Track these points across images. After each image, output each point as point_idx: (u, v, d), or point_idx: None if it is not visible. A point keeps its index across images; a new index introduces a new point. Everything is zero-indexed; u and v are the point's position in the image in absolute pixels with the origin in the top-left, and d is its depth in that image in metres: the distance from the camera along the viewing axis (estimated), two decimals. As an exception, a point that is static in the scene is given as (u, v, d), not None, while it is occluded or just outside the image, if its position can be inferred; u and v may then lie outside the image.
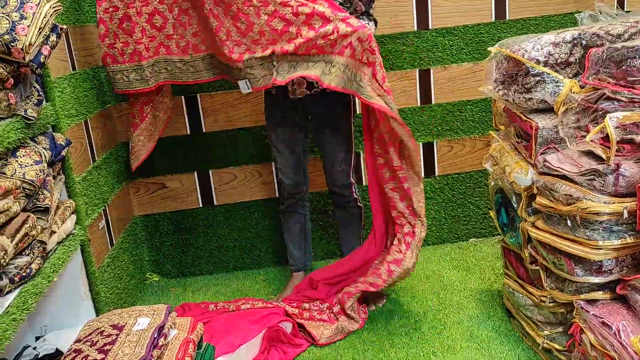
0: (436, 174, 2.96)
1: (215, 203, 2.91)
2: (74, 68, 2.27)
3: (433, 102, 2.87)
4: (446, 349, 2.17)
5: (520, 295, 2.16)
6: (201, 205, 2.91)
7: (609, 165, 1.57)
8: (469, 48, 2.82)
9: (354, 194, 2.58)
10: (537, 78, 1.86)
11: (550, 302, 1.96)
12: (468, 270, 2.76)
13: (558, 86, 1.82)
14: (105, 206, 2.43)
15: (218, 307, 2.47)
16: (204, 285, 2.89)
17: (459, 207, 3.02)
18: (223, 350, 2.10)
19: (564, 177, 1.75)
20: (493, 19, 2.79)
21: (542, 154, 1.86)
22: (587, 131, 1.71)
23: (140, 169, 2.83)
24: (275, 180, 2.89)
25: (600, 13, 2.15)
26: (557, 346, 1.98)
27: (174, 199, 2.89)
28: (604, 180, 1.59)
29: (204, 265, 2.99)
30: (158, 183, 2.87)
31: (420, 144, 2.92)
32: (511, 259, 2.26)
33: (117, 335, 1.87)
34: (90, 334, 1.91)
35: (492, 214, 2.35)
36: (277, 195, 2.89)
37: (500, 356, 2.10)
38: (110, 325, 1.93)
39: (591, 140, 1.59)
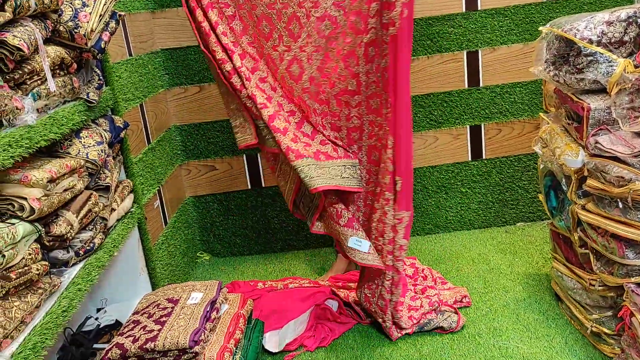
0: (484, 157, 2.94)
1: (263, 185, 2.98)
2: (130, 54, 2.36)
3: (481, 84, 2.84)
4: (492, 330, 2.18)
5: (569, 278, 2.14)
6: (249, 187, 2.99)
7: (664, 146, 1.54)
8: (518, 29, 2.77)
9: None
10: (590, 58, 1.82)
11: (599, 286, 1.94)
12: (515, 254, 2.74)
13: (611, 66, 1.78)
14: (159, 186, 2.53)
15: (266, 285, 2.55)
16: (253, 265, 2.97)
17: (507, 191, 2.99)
18: (271, 326, 2.17)
19: (616, 159, 1.72)
20: (545, -1, 2.73)
21: (593, 135, 1.83)
22: (642, 112, 1.67)
23: (193, 150, 2.93)
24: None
25: (659, -10, 2.09)
26: (605, 330, 1.96)
27: (223, 180, 2.98)
28: (658, 162, 1.56)
29: (252, 246, 3.08)
30: (209, 165, 2.96)
31: (468, 126, 2.90)
32: (560, 242, 2.24)
33: (172, 308, 1.96)
34: (147, 307, 2.01)
35: (541, 197, 2.33)
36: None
37: (547, 339, 2.09)
38: (165, 299, 2.03)
39: (645, 121, 1.56)
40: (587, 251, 1.97)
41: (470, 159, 2.95)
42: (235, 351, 1.91)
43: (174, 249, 2.64)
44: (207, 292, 2.05)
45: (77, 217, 1.62)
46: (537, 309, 2.28)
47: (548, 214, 2.26)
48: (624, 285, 1.75)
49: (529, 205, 3.01)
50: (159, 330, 1.83)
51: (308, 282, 2.55)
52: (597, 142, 1.80)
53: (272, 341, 2.12)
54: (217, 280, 2.14)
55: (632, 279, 1.71)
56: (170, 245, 2.59)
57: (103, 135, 1.83)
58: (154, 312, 1.95)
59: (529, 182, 2.98)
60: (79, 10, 1.67)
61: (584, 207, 1.92)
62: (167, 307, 1.97)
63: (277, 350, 2.13)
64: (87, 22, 1.67)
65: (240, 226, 3.05)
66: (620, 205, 1.67)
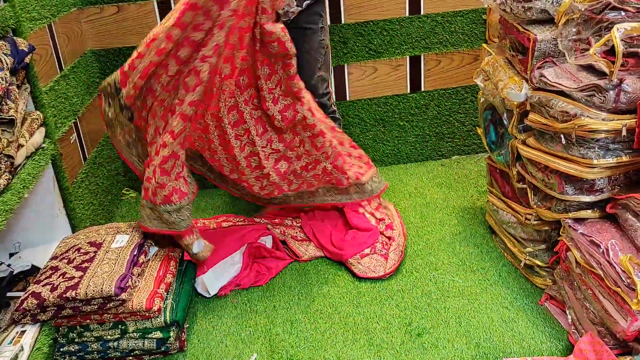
0: (422, 89, 2.87)
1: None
2: (32, -35, 2.05)
3: (422, 12, 2.72)
4: (428, 265, 2.18)
5: (505, 213, 2.15)
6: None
7: (612, 80, 1.50)
8: (462, -47, 2.64)
9: (333, 105, 2.48)
10: (539, -15, 1.74)
11: (535, 220, 1.95)
12: (451, 187, 2.74)
13: (561, -5, 1.70)
14: (75, 119, 2.30)
15: (198, 225, 2.42)
16: (183, 202, 2.82)
17: (444, 124, 2.96)
18: (203, 269, 2.06)
19: (561, 93, 1.68)
20: None
21: (538, 68, 1.78)
22: (589, 44, 1.62)
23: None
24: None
25: None
26: (538, 262, 2.00)
27: (148, 112, 2.76)
28: (604, 96, 1.53)
29: (182, 181, 2.91)
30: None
31: (408, 57, 2.80)
32: (497, 176, 2.23)
33: (95, 252, 1.81)
34: (66, 251, 1.85)
35: (480, 131, 2.30)
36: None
37: (482, 272, 2.12)
38: (87, 243, 1.87)
39: (595, 53, 1.50)
40: (524, 186, 1.97)
41: (409, 91, 2.87)
42: (167, 296, 1.80)
43: (96, 186, 2.44)
44: (134, 234, 1.91)
45: (-25, 155, 1.41)
46: (472, 242, 2.30)
47: (486, 148, 2.24)
48: (561, 221, 1.76)
49: (465, 138, 3.00)
50: (81, 277, 1.69)
51: (243, 220, 2.44)
52: (542, 76, 1.75)
53: (204, 284, 2.02)
54: (144, 221, 1.99)
55: (570, 214, 1.71)
56: (92, 183, 2.39)
57: (3, 60, 1.59)
58: (75, 257, 1.79)
59: (466, 115, 2.95)
60: None
61: (524, 142, 1.89)
62: (89, 252, 1.81)
63: (210, 295, 2.04)
64: None
65: (169, 161, 2.86)
66: (563, 140, 1.65)
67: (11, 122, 1.59)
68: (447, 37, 2.78)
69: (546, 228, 1.94)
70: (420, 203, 2.62)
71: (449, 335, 1.83)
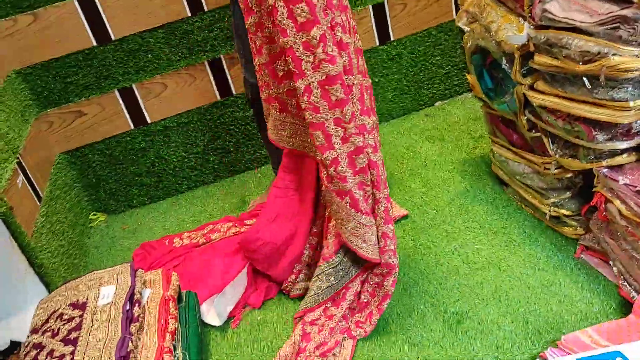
0: (391, 39, 2.61)
1: (148, 121, 2.48)
2: None
3: (377, -47, 2.43)
4: (445, 235, 2.00)
5: (516, 163, 1.96)
6: (132, 127, 2.47)
7: (642, 8, 1.28)
8: None
9: None
10: None
11: (555, 168, 1.77)
12: (443, 139, 2.53)
13: None
14: (17, 157, 1.98)
15: (184, 241, 2.18)
16: (159, 214, 2.55)
17: (421, 72, 2.72)
18: (206, 295, 1.83)
19: (573, 29, 1.46)
20: None
21: (539, 2, 1.54)
22: (599, -33, 1.39)
23: (48, 97, 2.34)
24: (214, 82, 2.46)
25: None
26: (565, 212, 1.83)
27: (98, 126, 2.43)
28: (633, 28, 1.31)
29: (153, 192, 2.63)
30: (74, 111, 2.39)
31: (370, 7, 2.51)
32: (499, 125, 2.03)
33: (81, 316, 1.56)
34: (47, 320, 1.59)
35: (471, 78, 2.07)
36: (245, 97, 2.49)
37: (505, 232, 1.95)
38: (69, 305, 1.62)
39: (617, -20, 1.28)
40: (538, 134, 1.77)
41: (377, 43, 2.60)
42: (175, 345, 1.58)
43: (59, 225, 2.14)
44: (120, 283, 1.66)
45: None
46: (484, 199, 2.12)
47: (482, 96, 2.02)
48: (594, 170, 1.57)
49: (444, 81, 2.77)
50: (72, 352, 1.44)
51: (232, 223, 2.20)
52: (545, 11, 1.52)
53: (212, 313, 1.80)
54: (126, 263, 1.74)
55: (604, 162, 1.53)
56: (55, 222, 2.10)
57: None
58: (59, 327, 1.54)
59: (442, 57, 2.71)
60: None
61: (532, 87, 1.69)
62: (74, 317, 1.56)
63: (220, 323, 1.82)
64: None
65: (133, 173, 2.57)
66: (587, 84, 1.44)
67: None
68: (408, -26, 2.50)
69: (569, 175, 1.76)
70: (417, 165, 2.41)
71: (492, 316, 1.66)
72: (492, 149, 2.13)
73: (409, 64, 2.68)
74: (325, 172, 1.61)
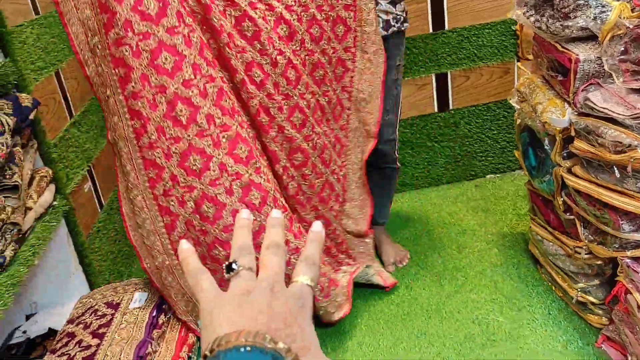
0: (450, 108, 2.71)
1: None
2: (36, 11, 1.97)
3: (446, 27, 2.56)
4: (469, 304, 2.02)
5: (550, 243, 1.97)
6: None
7: (672, 108, 1.33)
8: (487, -37, 2.48)
9: (396, 152, 2.22)
10: (578, 1, 1.57)
11: (586, 254, 1.78)
12: (487, 211, 2.57)
13: (604, 11, 1.53)
14: (89, 166, 2.20)
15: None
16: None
17: (476, 142, 2.79)
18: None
19: (611, 120, 1.51)
20: None
21: (583, 90, 1.61)
22: (639, 64, 1.45)
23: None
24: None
25: None
26: (592, 299, 1.82)
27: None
28: (663, 126, 1.35)
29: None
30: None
31: (433, 75, 2.64)
32: (539, 203, 2.06)
33: (113, 315, 1.70)
34: (83, 314, 1.75)
35: (518, 154, 2.13)
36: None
37: (529, 310, 1.95)
38: (104, 304, 1.77)
39: (650, 78, 1.33)
40: (572, 217, 1.79)
41: (436, 110, 2.71)
42: (190, 356, 1.69)
43: (114, 233, 2.34)
44: (154, 292, 1.80)
45: (-24, 231, 1.31)
46: (515, 275, 2.13)
47: (526, 173, 2.07)
48: (618, 259, 1.58)
49: (498, 156, 2.82)
50: (98, 345, 1.58)
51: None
52: (587, 99, 1.58)
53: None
54: (163, 275, 1.88)
55: (628, 253, 1.54)
56: (110, 230, 2.29)
57: (4, 122, 1.49)
58: (91, 322, 1.69)
59: (498, 131, 2.77)
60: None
61: (570, 171, 1.72)
62: (107, 314, 1.71)
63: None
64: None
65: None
66: (617, 173, 1.47)
67: (15, 188, 1.50)
68: (475, 51, 2.61)
69: (599, 262, 1.76)
70: (456, 231, 2.45)
71: (499, 389, 1.67)
72: (530, 226, 2.15)
73: (465, 134, 2.76)
74: None
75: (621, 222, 1.52)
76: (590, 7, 1.56)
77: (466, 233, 2.43)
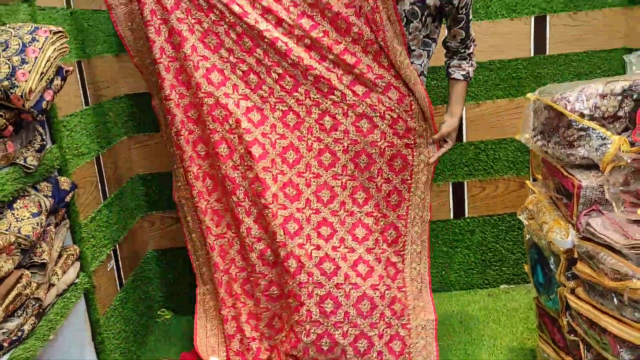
0: (466, 216, 2.78)
1: (232, 239, 2.79)
2: (86, 103, 2.18)
3: (464, 139, 2.70)
4: (472, 418, 1.99)
5: (556, 363, 1.97)
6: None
7: (665, 243, 1.38)
8: (505, 84, 2.64)
9: None
10: (581, 132, 1.68)
11: (589, 378, 1.77)
12: (499, 322, 2.56)
13: (605, 143, 1.63)
14: (115, 245, 2.33)
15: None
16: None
17: (490, 251, 2.83)
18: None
19: (610, 247, 1.56)
20: (532, 54, 2.60)
21: (585, 215, 1.68)
22: (638, 197, 1.52)
23: (158, 201, 2.74)
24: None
25: (652, 54, 1.97)
26: None
27: (189, 233, 2.78)
28: (657, 259, 1.40)
29: (218, 303, 2.86)
30: (175, 217, 2.77)
31: (450, 183, 2.74)
32: (546, 321, 2.07)
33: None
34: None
35: (527, 269, 2.17)
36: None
37: None
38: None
39: (644, 213, 1.40)
40: (576, 339, 1.80)
41: (452, 217, 2.78)
42: None
43: (130, 311, 2.42)
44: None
45: (1, 304, 1.41)
46: (521, 392, 2.10)
47: (535, 289, 2.10)
48: (618, 388, 1.57)
49: (512, 267, 2.85)
50: None
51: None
52: (588, 225, 1.65)
53: None
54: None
55: (628, 382, 1.53)
56: (126, 309, 2.38)
57: (42, 204, 1.63)
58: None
59: (513, 243, 2.82)
60: (17, 67, 1.49)
61: (573, 292, 1.76)
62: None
63: None
64: (26, 81, 1.49)
65: (206, 282, 2.84)
66: (615, 300, 1.51)
67: (43, 265, 1.61)
68: (492, 164, 2.72)
69: (603, 388, 1.75)
70: (466, 340, 2.45)
71: None
72: (538, 343, 2.14)
73: (480, 242, 2.82)
74: None
75: (619, 349, 1.53)
76: (592, 139, 1.67)
77: (474, 343, 2.42)
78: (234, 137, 2.07)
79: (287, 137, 2.10)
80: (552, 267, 1.88)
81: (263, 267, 2.12)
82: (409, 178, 2.11)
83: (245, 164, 2.07)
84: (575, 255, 1.72)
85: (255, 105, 2.08)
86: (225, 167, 2.09)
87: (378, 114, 2.04)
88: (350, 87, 2.04)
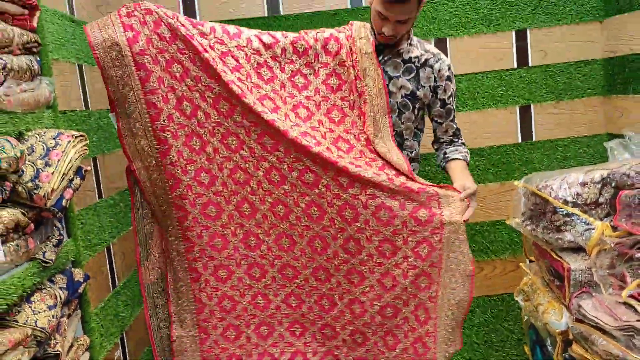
0: (466, 297, 2.83)
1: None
2: (100, 196, 2.30)
3: (460, 222, 2.79)
4: None
5: None
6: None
7: (649, 324, 1.45)
8: (495, 169, 2.78)
9: None
10: (566, 218, 1.79)
11: None
12: (503, 405, 2.56)
13: (589, 229, 1.73)
14: (122, 333, 2.38)
15: None
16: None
17: (492, 332, 2.86)
18: None
19: (601, 329, 1.63)
20: (519, 140, 2.76)
21: (576, 297, 1.75)
22: (624, 279, 1.61)
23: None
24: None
25: (631, 140, 2.10)
26: None
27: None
28: (644, 340, 1.47)
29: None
30: (179, 303, 2.81)
31: (449, 265, 2.81)
32: (549, 403, 2.09)
33: None
34: None
35: (527, 349, 2.21)
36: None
37: None
38: None
39: (629, 296, 1.48)
40: (579, 422, 1.82)
41: (452, 298, 2.83)
42: None
43: (135, 401, 2.43)
44: None
45: (16, 397, 1.46)
46: None
47: (535, 370, 2.13)
48: None
49: (515, 347, 2.86)
50: None
51: None
52: (580, 307, 1.72)
53: None
54: None
55: None
56: (131, 398, 2.39)
57: (58, 296, 1.71)
58: None
59: (514, 323, 2.85)
60: (41, 170, 1.62)
61: (571, 373, 1.80)
62: None
63: None
64: (49, 182, 1.61)
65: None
66: (610, 382, 1.56)
67: (56, 357, 1.67)
68: (488, 245, 2.81)
69: None
70: None
71: None
72: None
73: (482, 322, 2.85)
74: None
75: None
76: (577, 224, 1.77)
77: None
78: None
79: (278, 226, 2.15)
80: (549, 348, 1.93)
81: None
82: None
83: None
84: (571, 337, 1.78)
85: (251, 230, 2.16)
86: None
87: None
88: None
